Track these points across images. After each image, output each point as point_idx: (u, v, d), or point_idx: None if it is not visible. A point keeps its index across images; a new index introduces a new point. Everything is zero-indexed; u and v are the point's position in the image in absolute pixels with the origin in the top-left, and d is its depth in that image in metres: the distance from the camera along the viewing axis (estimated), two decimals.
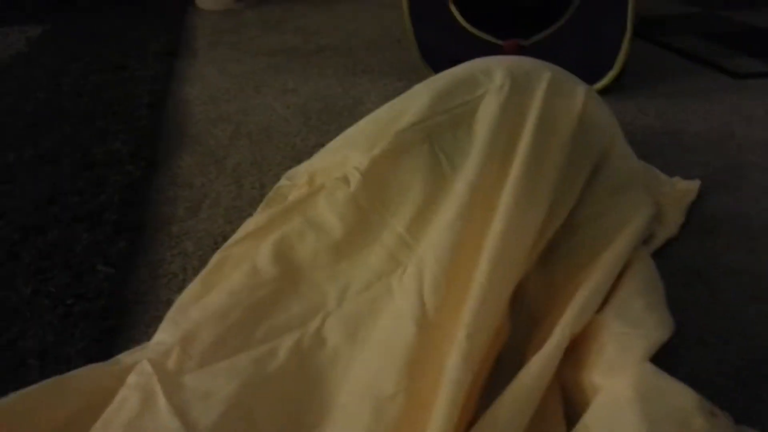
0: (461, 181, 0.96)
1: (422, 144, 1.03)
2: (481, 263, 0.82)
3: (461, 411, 0.68)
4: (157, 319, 1.01)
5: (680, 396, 0.66)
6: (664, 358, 0.76)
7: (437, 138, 1.03)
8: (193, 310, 0.86)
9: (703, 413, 0.65)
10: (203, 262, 1.14)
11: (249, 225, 1.02)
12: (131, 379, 0.77)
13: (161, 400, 0.73)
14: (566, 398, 0.75)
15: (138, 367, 0.79)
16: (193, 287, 0.92)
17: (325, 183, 1.01)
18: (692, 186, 1.27)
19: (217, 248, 1.18)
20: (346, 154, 1.07)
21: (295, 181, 1.15)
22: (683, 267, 1.07)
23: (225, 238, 1.20)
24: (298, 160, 1.38)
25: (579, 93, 1.11)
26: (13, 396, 0.77)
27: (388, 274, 0.92)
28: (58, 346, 0.92)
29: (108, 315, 0.98)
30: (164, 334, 0.84)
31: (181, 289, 1.08)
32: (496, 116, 1.02)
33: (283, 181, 1.21)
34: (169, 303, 1.05)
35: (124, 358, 0.87)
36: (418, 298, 0.83)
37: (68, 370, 0.84)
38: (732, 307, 0.97)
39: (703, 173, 1.36)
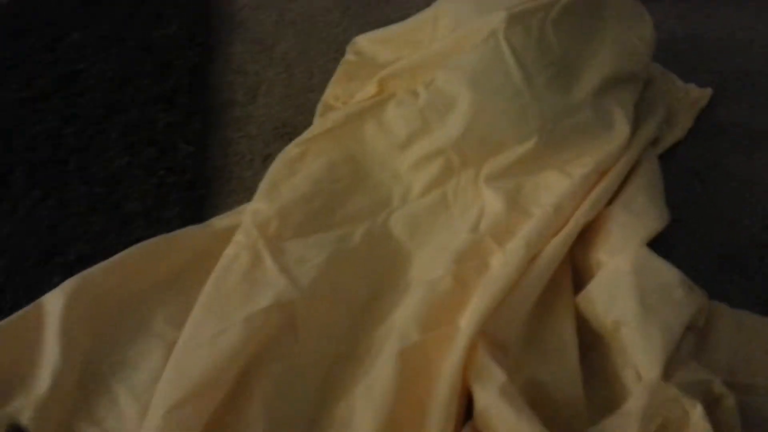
0: None
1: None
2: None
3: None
4: (233, 193, 1.20)
5: (667, 273, 0.85)
6: (658, 244, 0.95)
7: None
8: (284, 189, 1.04)
9: (684, 287, 0.85)
10: (267, 144, 1.32)
11: (327, 122, 1.17)
12: (239, 238, 0.97)
13: (268, 260, 0.93)
14: (575, 273, 0.95)
15: (244, 229, 0.98)
16: (278, 168, 1.09)
17: (396, 92, 1.15)
18: (704, 93, 1.40)
19: (277, 133, 1.35)
20: (416, 62, 1.18)
21: (362, 57, 1.27)
22: (685, 168, 1.23)
23: (283, 124, 1.36)
24: (342, 52, 1.50)
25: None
26: (131, 249, 0.97)
27: (443, 183, 1.08)
28: (157, 210, 1.11)
29: (194, 186, 1.16)
30: (261, 204, 1.02)
31: (249, 168, 1.26)
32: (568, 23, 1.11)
33: (350, 56, 1.33)
34: (240, 179, 1.24)
35: (217, 222, 1.06)
36: (476, 214, 1.00)
37: (168, 230, 1.04)
38: (722, 206, 1.15)
39: (717, 80, 1.47)
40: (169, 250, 0.99)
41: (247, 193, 1.16)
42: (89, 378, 0.84)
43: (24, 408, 0.79)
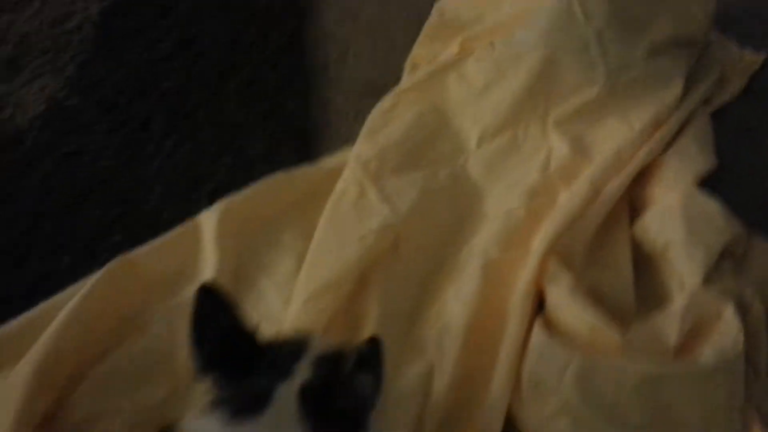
0: None
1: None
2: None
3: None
4: (333, 142, 1.41)
5: (711, 205, 1.03)
6: (706, 187, 1.11)
7: None
8: (380, 136, 1.24)
9: (724, 217, 1.02)
10: (358, 100, 1.51)
11: (414, 78, 1.36)
12: (347, 174, 1.18)
13: (372, 192, 1.14)
14: (632, 207, 1.12)
15: (351, 166, 1.19)
16: (374, 118, 1.29)
17: (475, 48, 1.33)
18: (757, 58, 1.52)
19: (366, 91, 1.54)
20: (494, 23, 1.34)
21: (445, 18, 1.46)
22: (735, 125, 1.37)
23: (371, 83, 1.55)
24: (422, 17, 1.67)
25: None
26: (261, 182, 1.19)
27: (514, 126, 1.26)
28: (273, 154, 1.33)
29: (302, 135, 1.38)
30: (363, 147, 1.23)
31: (344, 121, 1.47)
32: None
33: (434, 18, 1.50)
34: (338, 131, 1.44)
35: (326, 163, 1.27)
36: (545, 155, 1.17)
37: (284, 169, 1.25)
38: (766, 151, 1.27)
39: None
40: (290, 183, 1.21)
41: (343, 143, 1.36)
42: (239, 278, 1.07)
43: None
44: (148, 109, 1.45)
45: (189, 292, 1.03)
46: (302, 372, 0.71)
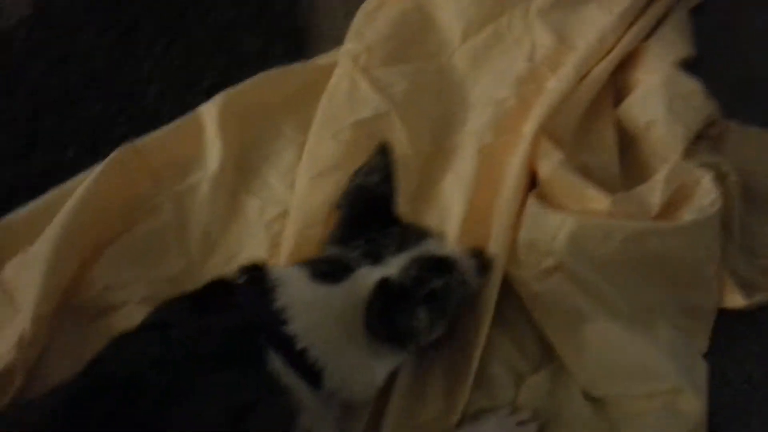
0: None
1: None
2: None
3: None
4: (322, 42, 1.42)
5: (690, 84, 1.09)
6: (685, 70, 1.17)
7: None
8: (368, 32, 1.26)
9: (702, 95, 1.08)
10: (345, 2, 1.51)
11: None
12: (338, 70, 1.20)
13: (363, 83, 1.17)
14: (617, 91, 1.18)
15: (342, 62, 1.21)
16: (360, 18, 1.30)
17: None
18: None
19: None
20: None
21: None
22: (712, 21, 1.41)
23: None
24: None
25: None
26: (259, 75, 1.21)
27: (497, 18, 1.28)
28: (266, 52, 1.35)
29: (292, 35, 1.39)
30: (351, 45, 1.25)
31: (333, 22, 1.47)
32: None
33: None
34: (329, 30, 1.45)
35: (318, 60, 1.29)
36: (529, 46, 1.21)
37: (279, 66, 1.27)
38: (743, 46, 1.33)
39: None
40: (286, 78, 1.23)
41: (333, 43, 1.38)
42: (243, 165, 1.11)
43: (200, 181, 1.07)
44: (136, 12, 1.44)
45: (195, 178, 1.09)
46: (393, 266, 0.76)
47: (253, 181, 1.10)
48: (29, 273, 0.91)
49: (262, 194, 1.08)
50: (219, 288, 0.77)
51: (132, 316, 0.91)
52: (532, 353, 0.92)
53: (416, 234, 0.82)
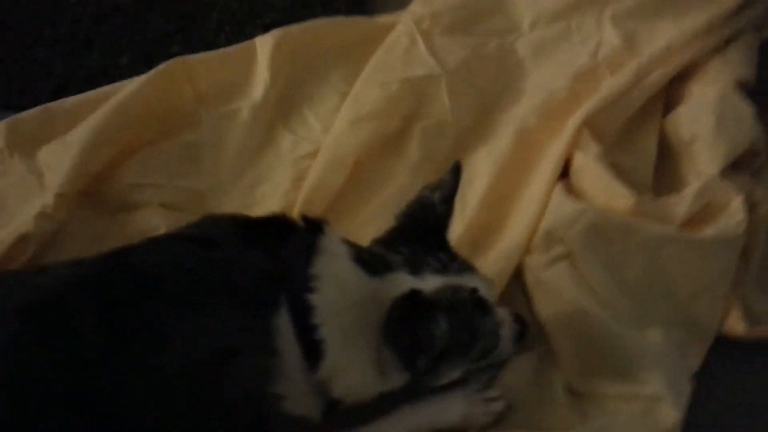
0: None
1: None
2: None
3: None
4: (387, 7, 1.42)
5: (744, 107, 1.07)
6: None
7: None
8: (436, 1, 1.26)
9: (754, 120, 1.07)
10: None
11: None
12: (400, 27, 1.21)
13: (421, 45, 1.18)
14: (667, 102, 1.16)
15: (404, 20, 1.22)
16: None
17: None
18: None
19: None
20: None
21: None
22: None
23: None
24: None
25: None
26: (317, 20, 1.23)
27: (569, 16, 1.27)
28: (332, 3, 1.36)
29: None
30: (417, 7, 1.25)
31: None
32: None
33: None
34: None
35: (380, 18, 1.31)
36: (595, 44, 1.20)
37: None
38: None
39: None
40: (345, 28, 1.25)
41: (397, 8, 1.38)
42: (286, 101, 1.13)
43: (242, 108, 1.10)
44: None
45: (238, 104, 1.11)
46: (429, 283, 0.74)
47: (291, 117, 1.12)
48: (61, 156, 0.95)
49: (298, 131, 1.10)
50: (275, 226, 0.78)
51: (150, 217, 0.95)
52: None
53: (463, 266, 0.80)
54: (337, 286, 0.73)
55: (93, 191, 0.97)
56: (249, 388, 0.69)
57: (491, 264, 0.96)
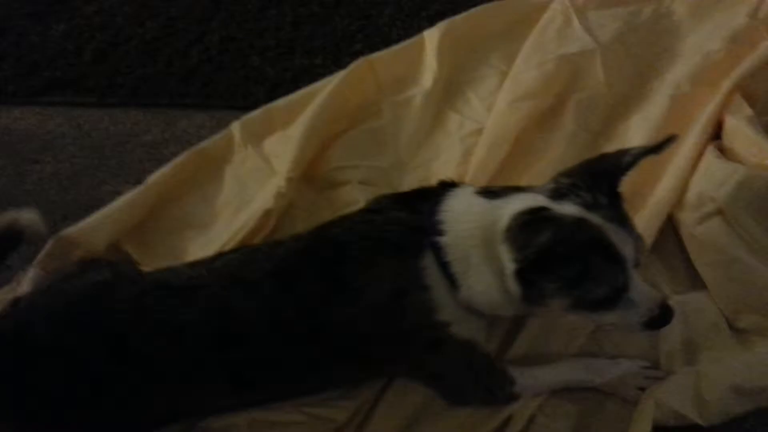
0: None
1: None
2: None
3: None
4: None
5: None
6: None
7: None
8: None
9: None
10: None
11: None
12: (554, 6, 1.32)
13: (575, 22, 1.28)
14: None
15: (557, 1, 1.32)
16: None
17: None
18: None
19: None
20: None
21: None
22: None
23: None
24: None
25: None
26: (477, 8, 1.38)
27: None
28: None
29: None
30: None
31: None
32: None
33: None
34: None
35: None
36: (755, 4, 1.21)
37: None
38: None
39: None
40: (502, 11, 1.38)
41: None
42: (452, 85, 1.31)
43: (415, 95, 1.29)
44: None
45: (411, 92, 1.31)
46: (566, 210, 0.79)
47: (457, 100, 1.30)
48: (286, 147, 1.22)
49: (463, 112, 1.28)
50: (420, 192, 0.97)
51: (352, 192, 1.18)
52: (681, 279, 1.01)
53: (616, 215, 0.81)
54: (460, 224, 0.86)
55: (308, 174, 1.22)
56: (420, 319, 0.88)
57: (644, 220, 1.06)
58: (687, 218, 1.04)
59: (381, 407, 0.93)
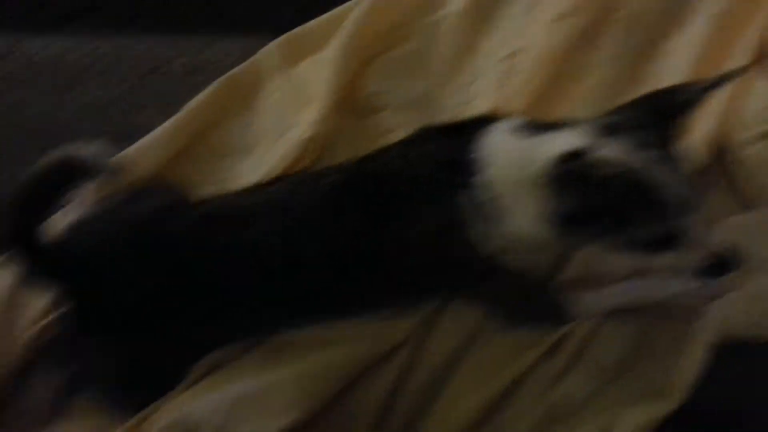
0: None
1: None
2: None
3: None
4: None
5: None
6: None
7: None
8: None
9: None
10: None
11: None
12: None
13: None
14: None
15: None
16: None
17: None
18: None
19: None
20: None
21: None
22: None
23: None
24: None
25: None
26: None
27: None
28: None
29: None
30: None
31: None
32: None
33: None
34: None
35: None
36: None
37: None
38: None
39: None
40: None
41: None
42: (482, 8, 1.27)
43: (447, 15, 1.26)
44: None
45: (440, 14, 1.29)
46: (613, 151, 0.75)
47: (488, 24, 1.26)
48: (321, 71, 1.21)
49: (495, 36, 1.25)
50: (458, 127, 0.92)
51: (391, 117, 1.18)
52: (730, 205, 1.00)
53: (665, 155, 0.77)
54: (499, 162, 0.83)
55: (344, 100, 1.21)
56: (467, 252, 0.88)
57: (691, 147, 1.05)
58: (737, 141, 1.04)
59: (437, 329, 0.96)
